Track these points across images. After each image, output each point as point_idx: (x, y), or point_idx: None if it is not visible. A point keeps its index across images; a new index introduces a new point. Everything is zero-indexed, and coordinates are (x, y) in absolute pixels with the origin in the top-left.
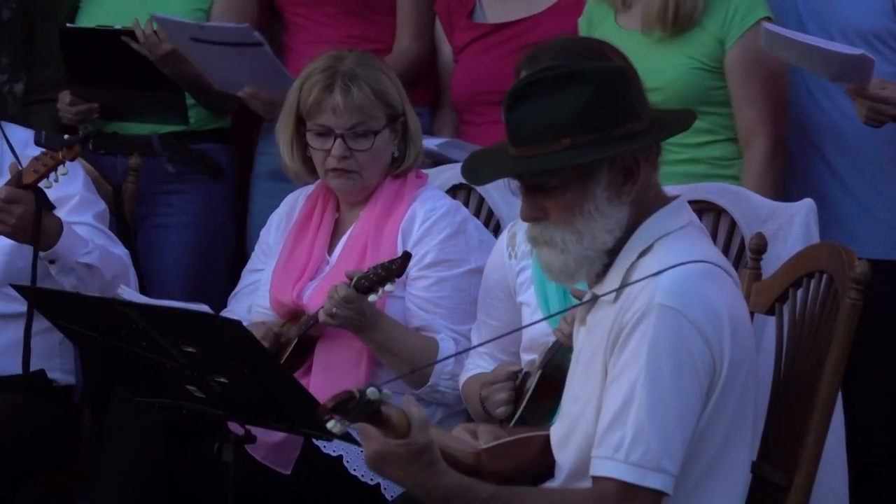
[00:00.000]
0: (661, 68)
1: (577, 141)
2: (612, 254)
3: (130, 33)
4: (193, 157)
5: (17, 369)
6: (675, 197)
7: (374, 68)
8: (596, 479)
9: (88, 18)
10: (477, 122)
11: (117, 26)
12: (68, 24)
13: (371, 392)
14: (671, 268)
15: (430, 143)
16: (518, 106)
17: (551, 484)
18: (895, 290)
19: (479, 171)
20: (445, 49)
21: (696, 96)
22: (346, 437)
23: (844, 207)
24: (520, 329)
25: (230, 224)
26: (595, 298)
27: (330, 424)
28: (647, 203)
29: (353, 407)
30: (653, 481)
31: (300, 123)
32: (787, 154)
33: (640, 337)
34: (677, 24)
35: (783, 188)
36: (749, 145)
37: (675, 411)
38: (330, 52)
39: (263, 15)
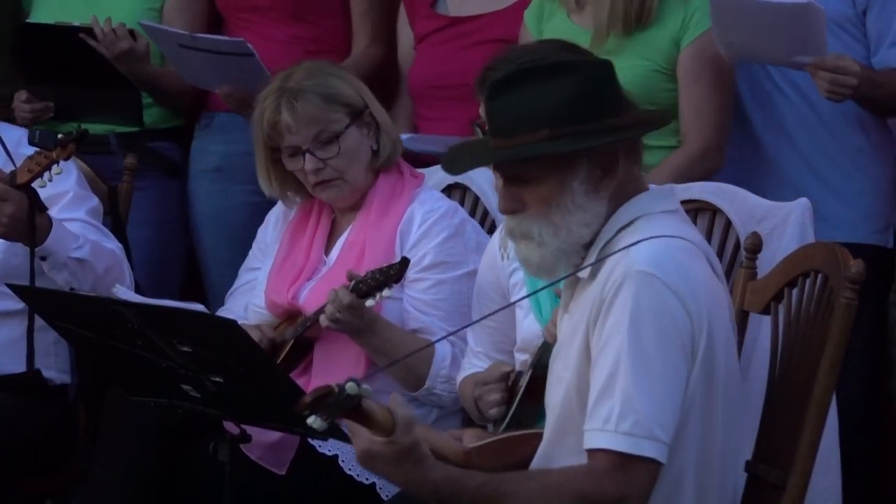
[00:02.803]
0: (617, 68)
1: (556, 132)
2: (588, 247)
3: (89, 30)
4: (149, 156)
5: (12, 368)
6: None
7: (322, 74)
8: (590, 453)
9: (40, 17)
10: (429, 117)
11: (76, 23)
12: (28, 21)
13: (350, 387)
14: (647, 239)
15: None
16: (499, 96)
17: (533, 464)
18: (874, 275)
19: (457, 161)
20: (406, 37)
21: (650, 99)
22: (337, 434)
23: (820, 196)
24: (499, 310)
25: (184, 220)
26: (571, 274)
27: (310, 420)
28: (627, 198)
29: (332, 402)
30: (646, 449)
31: (272, 151)
32: (717, 163)
33: (620, 306)
34: (630, 27)
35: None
36: (683, 142)
37: (662, 377)
38: (283, 71)
39: (211, 15)
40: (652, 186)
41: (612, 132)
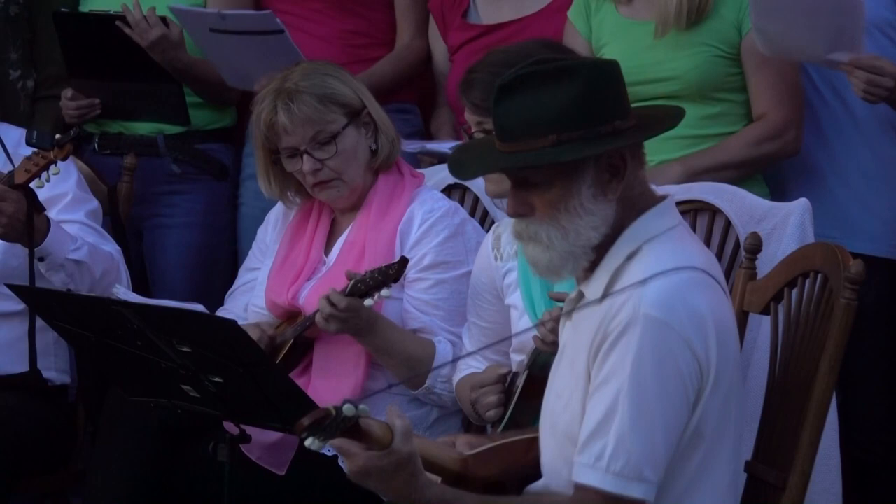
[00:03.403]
0: (677, 57)
1: (563, 137)
2: (599, 250)
3: (124, 19)
4: (198, 158)
5: (12, 368)
6: (663, 197)
7: (318, 74)
8: (578, 486)
9: (88, 8)
10: None
11: (111, 11)
12: (62, 9)
13: (347, 409)
14: (657, 275)
15: (444, 146)
16: (506, 100)
17: (537, 485)
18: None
19: (465, 165)
20: (439, 47)
21: (713, 84)
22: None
23: (848, 204)
24: (511, 337)
25: (233, 224)
26: (587, 303)
27: (308, 442)
28: (634, 200)
29: (330, 424)
30: (634, 490)
31: (271, 152)
32: (794, 145)
33: (624, 347)
34: (691, 20)
35: (768, 176)
36: (757, 120)
37: (660, 422)
38: (282, 71)
39: (256, 10)
40: (653, 187)
41: (620, 135)
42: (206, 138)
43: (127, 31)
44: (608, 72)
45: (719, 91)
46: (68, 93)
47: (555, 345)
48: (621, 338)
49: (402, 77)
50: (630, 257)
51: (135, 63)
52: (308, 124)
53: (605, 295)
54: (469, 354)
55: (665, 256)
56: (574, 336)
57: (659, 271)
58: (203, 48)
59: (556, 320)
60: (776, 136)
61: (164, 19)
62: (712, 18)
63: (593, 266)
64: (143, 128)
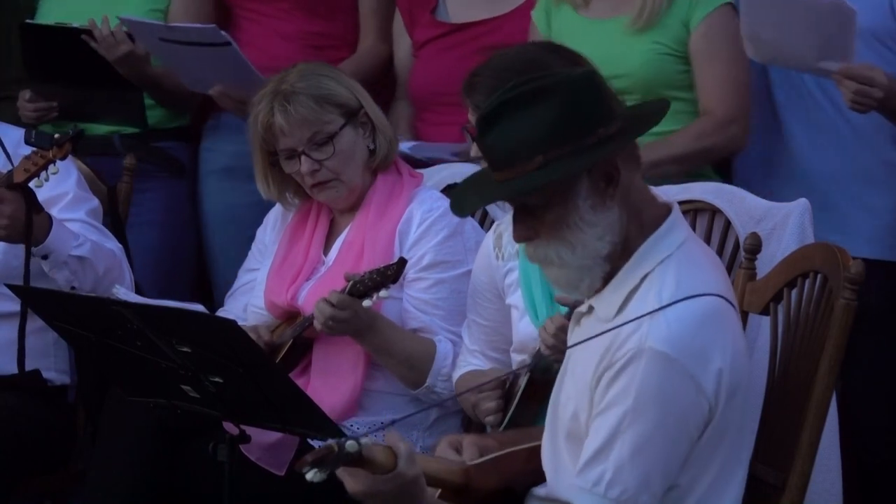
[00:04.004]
0: (628, 54)
1: (550, 156)
2: (611, 260)
3: (90, 32)
4: (154, 156)
5: (11, 369)
6: (665, 204)
7: (314, 75)
8: None
9: (48, 15)
10: (436, 122)
11: (76, 25)
12: (28, 20)
13: (350, 445)
14: (667, 306)
15: (402, 146)
16: (489, 130)
17: (540, 489)
18: None
19: (464, 199)
20: (403, 43)
21: (663, 81)
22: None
23: (848, 208)
24: (524, 366)
25: (194, 221)
26: (599, 333)
27: (309, 475)
28: (637, 206)
29: (333, 460)
30: None
31: (269, 154)
32: (740, 140)
33: (628, 378)
34: (653, 19)
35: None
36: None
37: (659, 455)
38: (279, 73)
39: (219, 13)
40: (651, 188)
41: (606, 143)
42: (163, 137)
43: (93, 45)
44: (585, 81)
45: (669, 89)
46: (26, 94)
47: (557, 351)
48: (625, 369)
49: (361, 81)
50: (643, 278)
51: (97, 72)
52: (305, 125)
53: (608, 330)
54: (486, 382)
55: (677, 282)
56: (581, 351)
57: (670, 301)
58: (156, 56)
59: (561, 328)
60: (718, 130)
61: (130, 35)
62: (661, 16)
63: (605, 279)
64: (99, 128)
